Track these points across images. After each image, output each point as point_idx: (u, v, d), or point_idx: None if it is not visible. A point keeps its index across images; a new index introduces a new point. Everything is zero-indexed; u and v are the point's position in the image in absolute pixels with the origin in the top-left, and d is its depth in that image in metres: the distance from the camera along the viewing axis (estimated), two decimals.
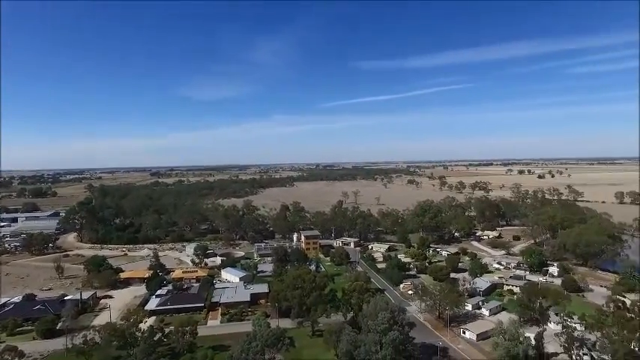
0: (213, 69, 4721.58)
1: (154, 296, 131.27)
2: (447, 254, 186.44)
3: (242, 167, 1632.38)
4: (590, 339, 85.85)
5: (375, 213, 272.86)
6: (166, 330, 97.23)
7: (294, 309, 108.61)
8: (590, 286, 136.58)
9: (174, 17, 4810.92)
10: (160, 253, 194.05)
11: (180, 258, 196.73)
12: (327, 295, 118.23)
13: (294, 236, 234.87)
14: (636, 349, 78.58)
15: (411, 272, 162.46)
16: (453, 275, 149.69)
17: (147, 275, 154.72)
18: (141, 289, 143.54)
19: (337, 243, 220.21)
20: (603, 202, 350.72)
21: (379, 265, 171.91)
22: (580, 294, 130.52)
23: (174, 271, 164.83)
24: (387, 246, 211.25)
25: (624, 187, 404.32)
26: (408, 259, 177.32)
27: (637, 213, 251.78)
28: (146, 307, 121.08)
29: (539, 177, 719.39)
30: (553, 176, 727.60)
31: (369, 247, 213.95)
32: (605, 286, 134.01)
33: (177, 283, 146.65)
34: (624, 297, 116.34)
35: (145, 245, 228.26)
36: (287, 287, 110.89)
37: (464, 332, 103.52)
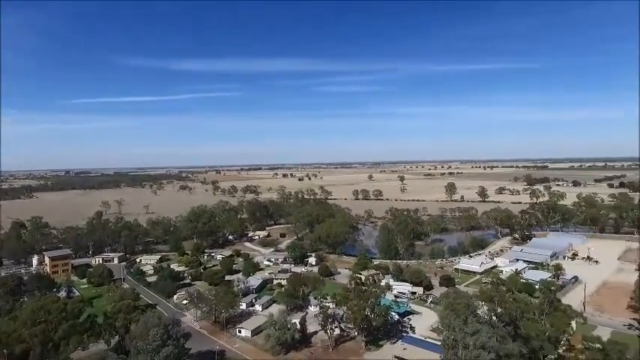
0: None
1: None
2: (222, 257, 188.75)
3: None
4: (339, 313, 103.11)
5: (143, 222, 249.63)
6: None
7: (34, 350, 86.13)
8: (338, 270, 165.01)
9: None
10: None
11: None
12: (83, 323, 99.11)
13: (34, 259, 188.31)
14: (369, 314, 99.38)
15: (185, 281, 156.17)
16: (228, 277, 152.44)
17: None
18: None
19: (96, 260, 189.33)
20: (345, 198, 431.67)
21: (150, 279, 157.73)
22: (332, 277, 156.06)
23: None
24: (158, 257, 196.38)
25: (358, 186, 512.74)
26: (182, 268, 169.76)
27: (367, 206, 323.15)
28: None
29: (300, 180, 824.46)
30: (310, 179, 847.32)
31: (138, 260, 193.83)
32: (348, 268, 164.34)
33: None
34: (360, 274, 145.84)
35: None
36: (23, 325, 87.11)
37: (239, 331, 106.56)
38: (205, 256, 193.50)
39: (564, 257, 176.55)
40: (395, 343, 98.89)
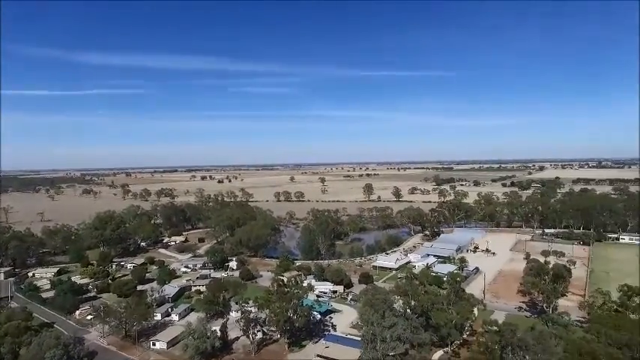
0: None
1: None
2: (134, 266, 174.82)
3: None
4: (262, 317, 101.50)
5: (37, 232, 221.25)
6: None
7: None
8: (260, 273, 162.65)
9: None
10: None
11: None
12: None
13: None
14: (292, 315, 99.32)
15: (90, 294, 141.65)
16: (140, 287, 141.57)
17: None
18: None
19: None
20: (267, 200, 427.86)
21: (46, 295, 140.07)
22: (254, 281, 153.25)
23: None
24: (56, 269, 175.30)
25: (280, 188, 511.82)
26: (85, 280, 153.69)
27: (289, 207, 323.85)
28: None
29: (219, 182, 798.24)
30: (230, 181, 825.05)
31: (30, 274, 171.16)
32: (270, 270, 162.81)
33: None
34: (283, 276, 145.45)
35: None
36: None
37: (154, 344, 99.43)
38: (114, 266, 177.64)
39: (467, 250, 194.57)
40: (317, 342, 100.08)
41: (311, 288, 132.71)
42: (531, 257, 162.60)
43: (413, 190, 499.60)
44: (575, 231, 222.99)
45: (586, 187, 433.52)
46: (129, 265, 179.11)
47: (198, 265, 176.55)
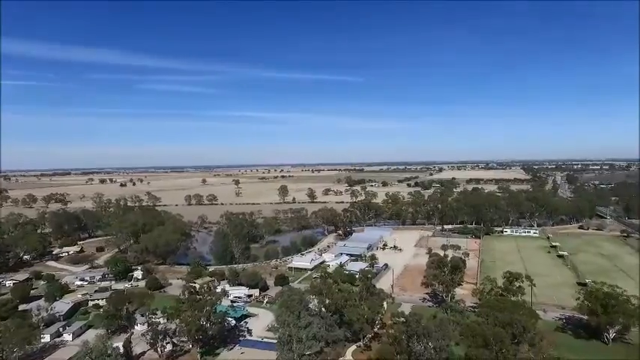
0: None
1: None
2: (14, 283, 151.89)
3: None
4: (171, 327, 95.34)
5: None
6: None
7: None
8: (170, 281, 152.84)
9: None
10: None
11: None
12: None
13: None
14: (204, 323, 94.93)
15: None
16: (23, 307, 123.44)
17: None
18: None
19: None
20: (176, 204, 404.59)
21: None
22: (162, 290, 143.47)
23: None
24: None
25: (191, 191, 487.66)
26: None
27: (201, 211, 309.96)
28: None
29: (122, 185, 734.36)
30: (134, 184, 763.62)
31: None
32: (181, 278, 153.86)
33: None
34: (194, 283, 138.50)
35: None
36: None
37: None
38: None
39: (377, 248, 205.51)
40: (232, 349, 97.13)
41: (225, 293, 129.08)
42: (433, 252, 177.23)
43: (327, 192, 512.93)
44: (468, 226, 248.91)
45: (477, 186, 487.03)
46: (8, 283, 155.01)
47: (97, 277, 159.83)
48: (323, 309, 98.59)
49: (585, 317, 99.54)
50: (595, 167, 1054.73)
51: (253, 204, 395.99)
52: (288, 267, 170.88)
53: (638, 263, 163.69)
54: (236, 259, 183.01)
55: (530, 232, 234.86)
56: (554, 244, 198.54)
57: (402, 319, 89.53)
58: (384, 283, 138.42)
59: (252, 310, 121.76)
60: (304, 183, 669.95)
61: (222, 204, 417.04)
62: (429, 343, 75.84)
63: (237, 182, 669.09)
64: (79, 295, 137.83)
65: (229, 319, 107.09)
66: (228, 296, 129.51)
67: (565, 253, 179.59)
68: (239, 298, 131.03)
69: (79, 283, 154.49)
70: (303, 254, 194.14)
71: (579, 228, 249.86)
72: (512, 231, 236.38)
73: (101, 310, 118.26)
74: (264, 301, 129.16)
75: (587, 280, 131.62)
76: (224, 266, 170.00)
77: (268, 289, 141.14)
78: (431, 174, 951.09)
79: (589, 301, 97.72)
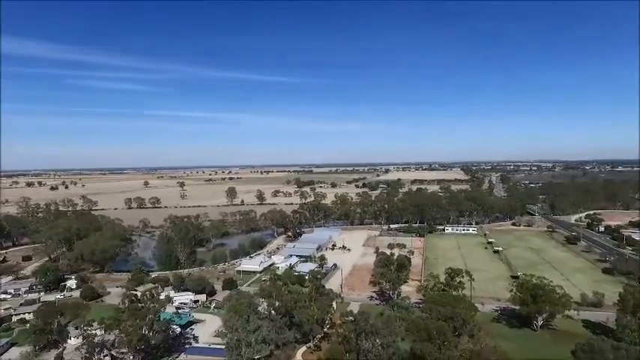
0: None
1: None
2: None
3: None
4: (110, 339, 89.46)
5: None
6: None
7: None
8: (108, 290, 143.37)
9: None
10: None
11: None
12: None
13: None
14: (147, 332, 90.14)
15: None
16: None
17: None
18: None
19: None
20: (115, 208, 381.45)
21: None
22: (100, 299, 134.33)
23: None
24: None
25: (132, 194, 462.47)
26: None
27: (144, 215, 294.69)
28: None
29: (52, 188, 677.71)
30: (67, 187, 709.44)
31: None
32: (121, 286, 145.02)
33: None
34: (136, 290, 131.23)
35: None
36: None
37: None
38: None
39: (327, 248, 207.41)
40: (177, 357, 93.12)
41: (169, 300, 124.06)
42: (380, 251, 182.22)
43: (276, 193, 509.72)
44: (413, 225, 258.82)
45: (421, 187, 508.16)
46: None
47: (24, 289, 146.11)
48: (273, 311, 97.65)
49: (517, 307, 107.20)
50: (525, 168, 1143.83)
51: (200, 206, 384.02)
52: (237, 270, 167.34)
53: (562, 256, 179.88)
54: (181, 263, 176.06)
55: (469, 229, 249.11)
56: (490, 240, 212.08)
57: (351, 318, 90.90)
58: (333, 283, 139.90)
59: (198, 316, 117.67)
60: (253, 185, 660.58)
61: (166, 207, 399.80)
62: (377, 340, 77.71)
63: (182, 184, 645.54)
64: (1, 310, 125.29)
65: (174, 326, 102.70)
66: (172, 303, 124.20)
67: (500, 249, 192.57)
68: (185, 304, 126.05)
69: (1, 296, 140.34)
70: (252, 257, 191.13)
71: (512, 225, 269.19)
72: (453, 229, 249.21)
73: (27, 325, 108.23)
74: (212, 306, 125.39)
75: (519, 273, 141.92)
76: (168, 272, 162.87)
77: (216, 293, 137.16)
78: (378, 175, 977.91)
79: (520, 293, 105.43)
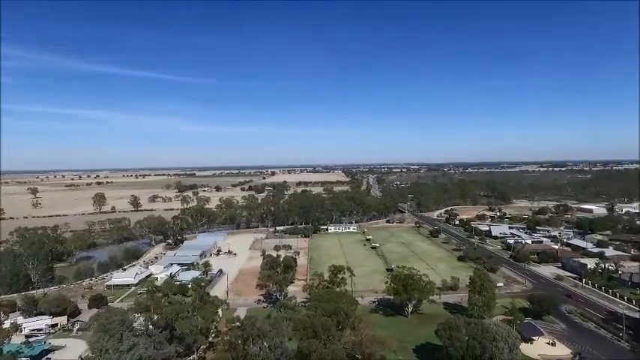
0: None
1: None
2: None
3: None
4: None
5: None
6: None
7: None
8: None
9: None
10: None
11: None
12: None
13: None
14: None
15: None
16: None
17: None
18: None
19: None
20: None
21: None
22: None
23: None
24: None
25: None
26: None
27: None
28: None
29: None
30: None
31: None
32: None
33: None
34: None
35: None
36: None
37: None
38: None
39: (211, 254, 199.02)
40: None
41: (17, 328, 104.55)
42: (267, 253, 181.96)
43: (154, 198, 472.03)
44: (298, 226, 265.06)
45: (306, 188, 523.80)
46: None
47: None
48: (150, 326, 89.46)
49: (392, 297, 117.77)
50: (397, 170, 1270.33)
51: (58, 216, 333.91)
52: (107, 285, 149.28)
53: (427, 248, 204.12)
54: (34, 283, 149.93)
55: (350, 228, 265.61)
56: (368, 237, 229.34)
57: (238, 323, 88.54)
58: (218, 290, 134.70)
59: (57, 342, 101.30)
60: (126, 190, 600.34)
61: (11, 218, 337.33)
62: (265, 343, 77.10)
63: (34, 191, 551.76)
64: None
65: (23, 359, 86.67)
66: (21, 331, 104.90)
67: (377, 245, 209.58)
68: (39, 330, 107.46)
69: None
70: (125, 269, 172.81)
71: (387, 222, 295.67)
72: (335, 228, 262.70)
73: None
74: (75, 329, 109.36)
75: (393, 266, 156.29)
76: (16, 294, 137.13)
77: (80, 313, 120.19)
78: (264, 178, 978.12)
79: (394, 283, 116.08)
